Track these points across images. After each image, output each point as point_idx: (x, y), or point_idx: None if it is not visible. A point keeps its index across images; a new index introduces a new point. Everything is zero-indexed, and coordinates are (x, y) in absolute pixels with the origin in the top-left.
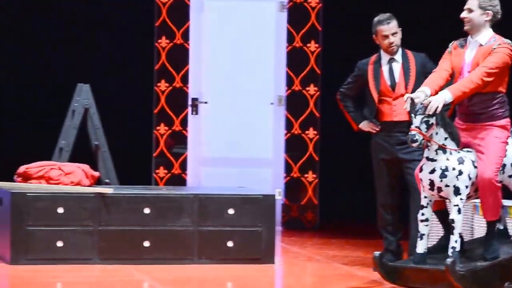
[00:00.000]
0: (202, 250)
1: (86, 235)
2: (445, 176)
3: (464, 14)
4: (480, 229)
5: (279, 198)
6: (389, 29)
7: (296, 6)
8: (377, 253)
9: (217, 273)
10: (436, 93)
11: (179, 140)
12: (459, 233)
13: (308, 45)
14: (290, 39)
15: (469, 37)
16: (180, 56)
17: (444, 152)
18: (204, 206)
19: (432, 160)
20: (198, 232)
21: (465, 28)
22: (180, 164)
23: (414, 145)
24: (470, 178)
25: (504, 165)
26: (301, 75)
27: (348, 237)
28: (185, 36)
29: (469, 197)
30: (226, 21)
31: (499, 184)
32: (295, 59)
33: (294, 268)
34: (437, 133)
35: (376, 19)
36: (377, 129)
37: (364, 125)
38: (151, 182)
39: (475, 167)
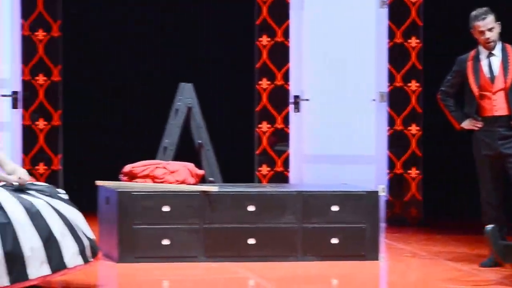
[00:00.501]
0: (306, 247)
1: (192, 233)
2: None
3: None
4: None
5: (383, 194)
6: (485, 25)
7: (397, 2)
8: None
9: (321, 270)
10: None
11: (281, 137)
12: None
13: (409, 41)
14: (391, 35)
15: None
16: (281, 54)
17: None
18: (307, 203)
19: None
20: (302, 229)
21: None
22: (282, 162)
23: None
24: None
25: None
26: (403, 71)
27: (452, 233)
28: (286, 33)
29: None
30: (326, 18)
31: None
32: (396, 55)
33: (398, 265)
34: None
35: (472, 14)
36: (479, 125)
37: (466, 124)
38: (253, 180)
39: None
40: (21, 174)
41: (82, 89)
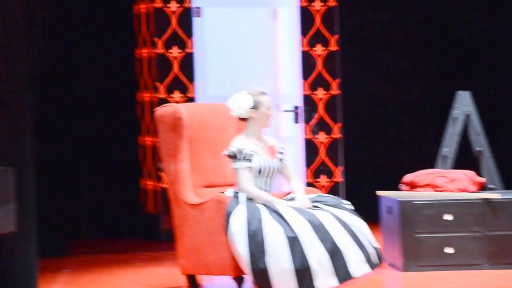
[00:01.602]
0: None
1: (474, 241)
2: None
3: None
4: None
5: None
6: None
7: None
8: None
9: None
10: None
11: None
12: None
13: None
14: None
15: None
16: None
17: None
18: None
19: None
20: None
21: None
22: None
23: None
24: None
25: None
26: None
27: None
28: None
29: None
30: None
31: None
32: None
33: None
34: None
35: None
36: None
37: None
38: None
39: None
40: (303, 202)
41: (359, 102)
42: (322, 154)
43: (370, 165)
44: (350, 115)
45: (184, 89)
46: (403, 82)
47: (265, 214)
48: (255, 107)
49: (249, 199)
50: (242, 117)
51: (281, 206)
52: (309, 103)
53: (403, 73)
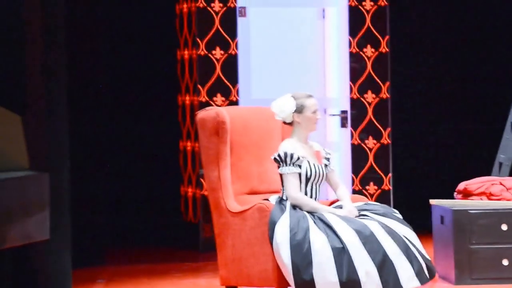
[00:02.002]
0: None
1: None
2: None
3: None
4: None
5: None
6: None
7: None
8: None
9: None
10: None
11: None
12: None
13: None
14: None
15: None
16: None
17: None
18: None
19: None
20: None
21: None
22: None
23: None
24: None
25: None
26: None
27: None
28: None
29: None
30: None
31: None
32: None
33: None
34: None
35: None
36: None
37: None
38: None
39: None
40: (351, 210)
41: (409, 106)
42: (371, 160)
43: (421, 173)
44: (399, 120)
45: (226, 92)
46: (456, 84)
47: (311, 223)
48: (299, 110)
49: (295, 207)
50: (286, 121)
51: (328, 214)
52: (357, 107)
53: (456, 75)
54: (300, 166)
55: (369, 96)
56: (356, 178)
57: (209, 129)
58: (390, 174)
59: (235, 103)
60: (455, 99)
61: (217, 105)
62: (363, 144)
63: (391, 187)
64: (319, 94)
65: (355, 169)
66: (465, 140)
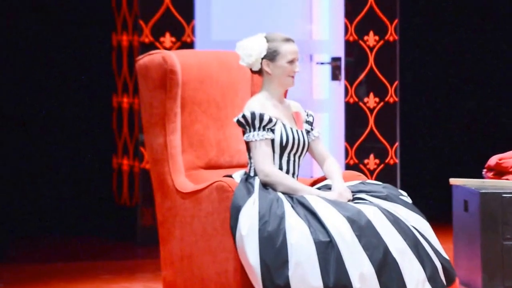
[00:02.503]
0: None
1: None
2: None
3: None
4: None
5: None
6: None
7: None
8: None
9: None
10: None
11: None
12: None
13: None
14: None
15: None
16: None
17: None
18: None
19: None
20: None
21: None
22: None
23: None
24: None
25: None
26: None
27: None
28: None
29: None
30: None
31: None
32: None
33: None
34: None
35: None
36: None
37: None
38: None
39: None
40: (342, 192)
41: (422, 55)
42: (372, 125)
43: (439, 142)
44: (410, 70)
45: (178, 31)
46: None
47: (288, 208)
48: (270, 57)
49: (266, 186)
50: (254, 69)
51: (312, 197)
52: (355, 54)
53: None
54: (273, 131)
55: (371, 39)
56: (351, 148)
57: (153, 80)
58: (397, 144)
59: (190, 45)
60: (482, 55)
61: (165, 48)
62: (361, 103)
63: (398, 161)
64: (303, 36)
65: (350, 137)
66: (491, 105)
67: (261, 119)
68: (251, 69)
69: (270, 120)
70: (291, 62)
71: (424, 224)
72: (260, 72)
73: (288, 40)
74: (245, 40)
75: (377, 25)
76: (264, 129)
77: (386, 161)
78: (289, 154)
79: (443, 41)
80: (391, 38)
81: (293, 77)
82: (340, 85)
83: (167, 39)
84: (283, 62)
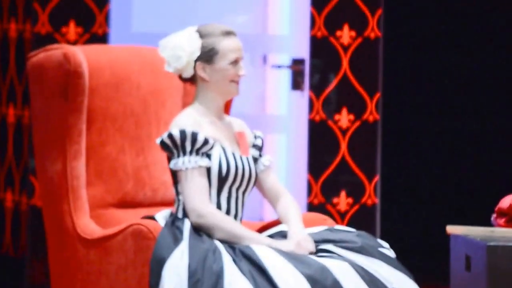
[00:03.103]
0: None
1: None
2: None
3: None
4: None
5: None
6: None
7: None
8: None
9: None
10: None
11: None
12: None
13: None
14: None
15: None
16: None
17: None
18: None
19: None
20: None
21: None
22: None
23: None
24: None
25: None
26: None
27: None
28: None
29: None
30: None
31: None
32: None
33: None
34: None
35: None
36: None
37: None
38: None
39: None
40: (301, 242)
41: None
42: (343, 151)
43: (427, 178)
44: (394, 78)
45: (87, 19)
46: None
47: (228, 262)
48: (206, 58)
49: (199, 232)
50: (184, 76)
51: (261, 248)
52: (323, 55)
53: None
54: (209, 157)
55: (345, 35)
56: (316, 182)
57: (50, 85)
58: (377, 177)
59: (102, 38)
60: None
61: (69, 42)
62: (330, 122)
63: (378, 201)
64: (254, 29)
65: (315, 167)
66: (495, 130)
67: (194, 140)
68: (180, 76)
69: (206, 142)
70: (234, 63)
71: (410, 285)
72: (193, 79)
73: (228, 33)
74: (171, 37)
75: (354, 17)
76: (197, 154)
77: (363, 200)
78: (230, 188)
79: (441, 40)
80: (372, 35)
81: (237, 82)
82: (303, 96)
83: (71, 29)
84: (223, 63)
